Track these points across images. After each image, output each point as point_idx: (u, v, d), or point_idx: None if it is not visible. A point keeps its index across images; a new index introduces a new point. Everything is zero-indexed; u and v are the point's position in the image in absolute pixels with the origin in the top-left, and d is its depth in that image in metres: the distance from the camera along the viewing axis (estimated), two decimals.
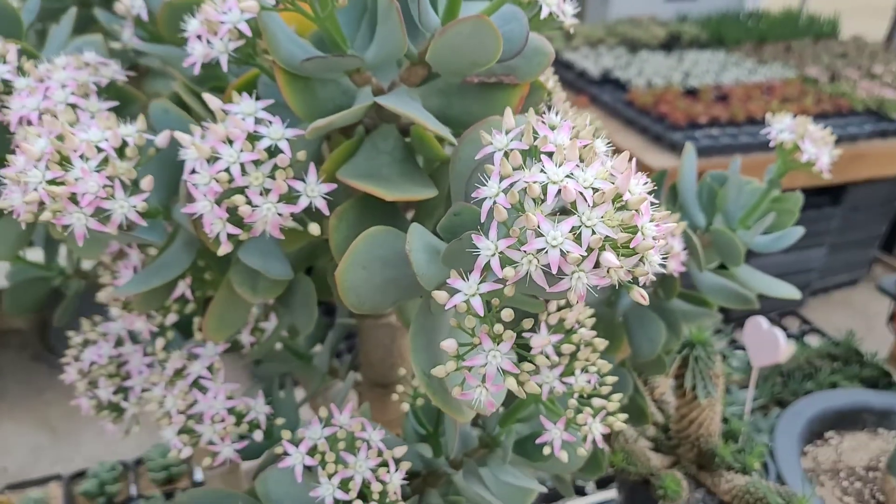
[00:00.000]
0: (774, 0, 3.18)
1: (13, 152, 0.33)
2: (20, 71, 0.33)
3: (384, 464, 0.34)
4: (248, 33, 0.28)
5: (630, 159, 0.24)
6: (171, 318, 0.39)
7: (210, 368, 0.39)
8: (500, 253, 0.23)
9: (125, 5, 0.39)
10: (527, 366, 0.28)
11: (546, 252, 0.23)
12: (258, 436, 0.38)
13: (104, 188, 0.27)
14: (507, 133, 0.26)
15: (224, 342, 0.40)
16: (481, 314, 0.24)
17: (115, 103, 0.32)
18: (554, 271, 0.23)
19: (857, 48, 2.68)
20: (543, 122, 0.25)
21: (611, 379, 0.36)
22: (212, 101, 0.28)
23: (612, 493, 0.92)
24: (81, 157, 0.27)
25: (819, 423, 0.96)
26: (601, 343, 0.35)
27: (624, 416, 0.36)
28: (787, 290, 0.49)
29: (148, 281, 0.33)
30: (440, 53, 0.27)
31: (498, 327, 0.25)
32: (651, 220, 0.24)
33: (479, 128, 0.29)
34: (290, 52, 0.28)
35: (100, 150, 0.28)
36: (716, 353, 0.68)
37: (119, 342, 0.46)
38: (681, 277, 0.50)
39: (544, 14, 0.30)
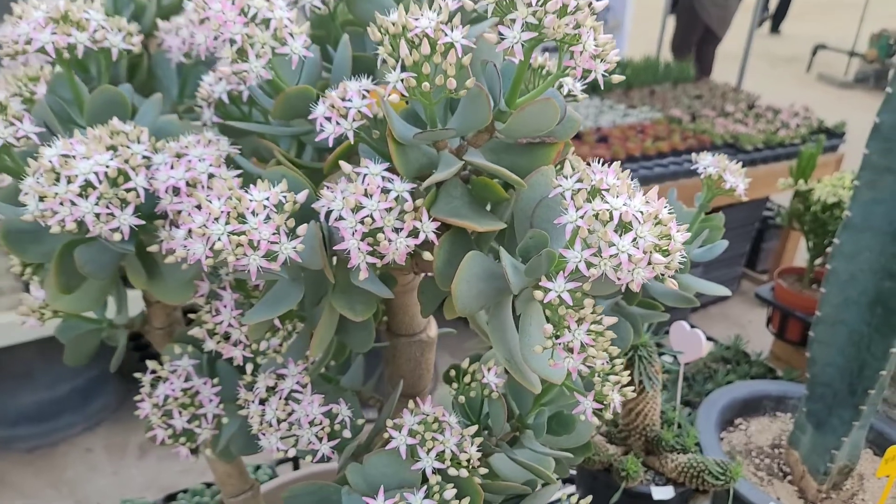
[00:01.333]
0: (636, 49, 3.52)
1: (162, 216, 0.41)
2: (154, 148, 0.41)
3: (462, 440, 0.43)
4: (370, 115, 0.38)
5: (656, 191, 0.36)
6: (263, 344, 0.47)
7: (300, 383, 0.47)
8: (586, 259, 0.34)
9: (206, 91, 0.48)
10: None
11: (617, 256, 0.34)
12: (346, 434, 0.47)
13: (273, 235, 0.36)
14: (568, 178, 0.37)
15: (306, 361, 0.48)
16: (571, 303, 0.35)
17: (240, 171, 0.41)
18: (631, 277, 0.34)
19: (710, 90, 3.02)
20: (592, 170, 0.37)
21: (619, 360, 0.47)
22: (345, 166, 0.38)
23: (570, 488, 1.03)
24: (253, 212, 0.36)
25: (729, 411, 1.11)
26: (610, 332, 0.46)
27: (631, 388, 0.47)
28: (719, 290, 0.63)
29: (271, 310, 0.41)
30: (514, 125, 0.38)
31: (583, 312, 0.36)
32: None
33: (534, 177, 0.40)
34: (401, 128, 0.38)
35: (264, 206, 0.36)
36: (655, 351, 0.81)
37: (188, 377, 0.53)
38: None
39: (565, 91, 0.42)
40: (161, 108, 0.47)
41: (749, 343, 1.62)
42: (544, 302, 0.35)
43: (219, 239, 0.35)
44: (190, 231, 0.36)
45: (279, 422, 0.46)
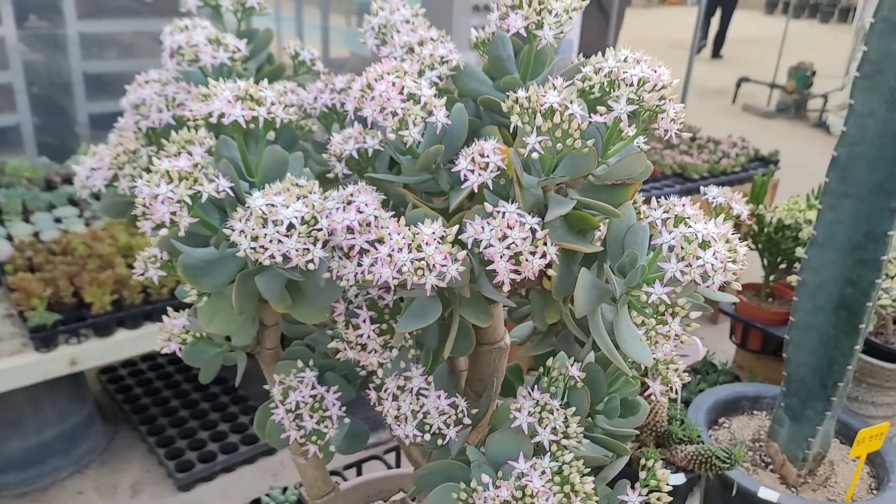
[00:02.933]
0: None
1: (346, 253, 0.52)
2: (323, 197, 0.52)
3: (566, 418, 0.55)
4: (504, 167, 0.50)
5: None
6: (394, 353, 0.58)
7: (428, 382, 0.58)
8: (680, 269, 0.47)
9: (339, 149, 0.59)
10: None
11: (703, 266, 0.47)
12: (466, 421, 0.58)
13: (444, 260, 0.47)
14: (656, 210, 0.49)
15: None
16: (668, 302, 0.48)
17: (392, 213, 0.52)
18: (711, 282, 0.47)
19: None
20: (673, 202, 0.50)
21: (673, 355, 0.60)
22: (488, 206, 0.50)
23: None
24: (427, 244, 0.47)
25: (714, 412, 1.26)
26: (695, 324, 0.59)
27: (686, 374, 0.60)
28: (724, 297, 0.77)
29: (420, 321, 0.52)
30: (613, 172, 0.50)
31: (677, 309, 0.48)
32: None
33: (623, 209, 0.52)
34: (526, 176, 0.50)
35: (434, 238, 0.48)
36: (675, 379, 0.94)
37: (314, 386, 0.63)
38: None
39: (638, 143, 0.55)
40: (296, 164, 0.58)
41: (714, 355, 1.78)
42: (650, 302, 0.48)
43: (405, 264, 0.47)
44: (376, 259, 0.47)
45: (413, 414, 0.57)
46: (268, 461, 2.27)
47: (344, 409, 0.63)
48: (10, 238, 2.09)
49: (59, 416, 2.17)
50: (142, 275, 0.61)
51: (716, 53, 8.65)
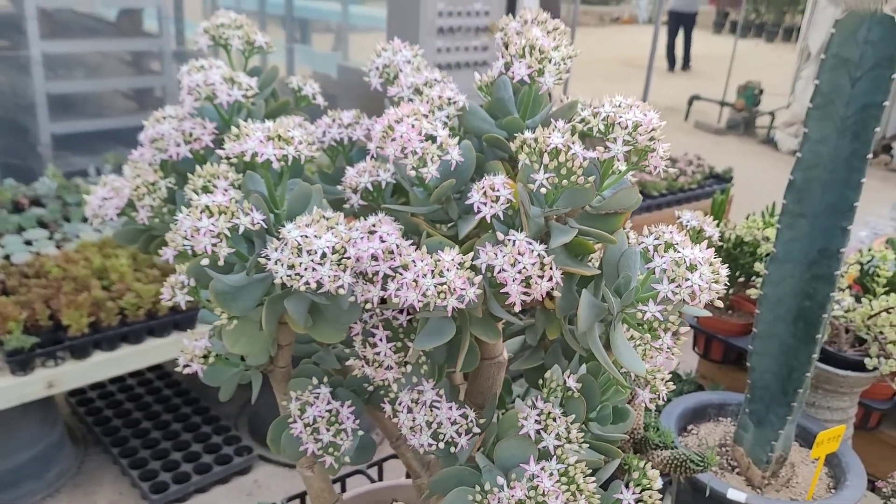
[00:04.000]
0: None
1: (370, 278, 0.57)
2: (348, 227, 0.57)
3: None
4: (514, 200, 0.56)
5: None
6: (408, 368, 0.63)
7: (439, 395, 0.63)
8: (671, 290, 0.53)
9: (355, 182, 0.64)
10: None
11: (692, 287, 0.53)
12: (475, 430, 0.63)
13: (463, 283, 0.53)
14: (648, 237, 0.56)
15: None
16: (661, 319, 0.54)
17: (411, 241, 0.58)
18: (698, 300, 0.53)
19: None
20: (662, 230, 0.56)
21: (662, 365, 0.66)
22: (500, 235, 0.55)
23: None
24: (448, 269, 0.53)
25: (682, 419, 1.33)
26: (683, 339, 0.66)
27: (671, 383, 0.66)
28: (699, 312, 0.84)
29: (436, 340, 0.58)
30: (609, 203, 0.57)
31: (669, 325, 0.54)
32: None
33: (617, 236, 0.59)
34: (531, 208, 0.56)
35: (455, 265, 0.53)
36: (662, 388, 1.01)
37: (329, 401, 0.68)
38: None
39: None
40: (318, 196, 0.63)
41: (679, 365, 1.87)
42: (645, 319, 0.54)
43: (429, 289, 0.52)
44: (402, 285, 0.53)
45: (427, 424, 0.62)
46: (242, 480, 2.29)
47: (357, 422, 0.68)
48: None
49: (31, 439, 2.16)
50: (170, 300, 0.65)
51: (684, 65, 9.39)
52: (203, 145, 0.72)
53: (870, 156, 1.02)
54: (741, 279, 1.73)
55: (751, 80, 6.81)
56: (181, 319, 1.98)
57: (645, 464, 0.65)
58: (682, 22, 9.22)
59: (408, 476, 0.93)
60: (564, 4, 4.07)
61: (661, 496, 0.64)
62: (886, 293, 1.34)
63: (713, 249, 0.55)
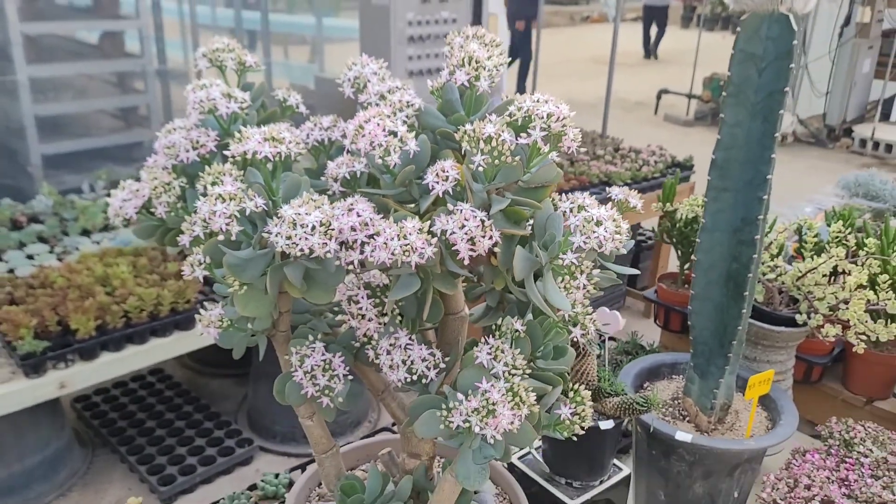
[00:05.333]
0: None
1: (351, 245, 0.72)
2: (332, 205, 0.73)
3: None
4: (459, 178, 0.72)
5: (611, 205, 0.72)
6: (385, 319, 0.79)
7: (411, 339, 0.79)
8: (583, 241, 0.69)
9: (335, 172, 0.80)
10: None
11: (599, 237, 0.69)
12: (442, 365, 0.78)
13: (423, 244, 0.69)
14: (566, 202, 0.72)
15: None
16: (577, 264, 0.70)
17: (382, 214, 0.73)
18: (604, 248, 0.69)
19: (582, 137, 3.53)
20: (576, 196, 0.72)
21: (590, 308, 0.82)
22: (450, 207, 0.71)
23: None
24: (410, 234, 0.69)
25: (639, 378, 1.49)
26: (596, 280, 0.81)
27: (596, 317, 0.82)
28: (630, 271, 1.00)
29: (404, 291, 0.73)
30: (535, 177, 0.72)
31: (583, 268, 0.70)
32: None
33: (544, 203, 0.74)
34: (475, 185, 0.72)
35: (416, 230, 0.69)
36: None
37: (323, 353, 0.83)
38: None
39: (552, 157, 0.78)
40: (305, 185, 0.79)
41: (643, 337, 2.04)
42: (565, 265, 0.70)
43: (396, 249, 0.68)
44: (375, 247, 0.68)
45: (403, 363, 0.77)
46: (244, 471, 2.43)
47: (347, 369, 0.84)
48: None
49: (40, 443, 2.29)
50: (190, 275, 0.80)
51: (653, 55, 9.91)
52: (208, 150, 0.87)
53: (777, 135, 1.19)
54: (694, 255, 1.90)
55: (716, 72, 7.03)
56: (181, 320, 2.13)
57: (579, 387, 0.81)
58: (654, 15, 9.81)
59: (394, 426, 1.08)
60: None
61: (591, 410, 0.79)
62: (812, 257, 1.51)
63: (615, 210, 0.71)
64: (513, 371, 0.75)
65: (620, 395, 1.19)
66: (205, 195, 0.72)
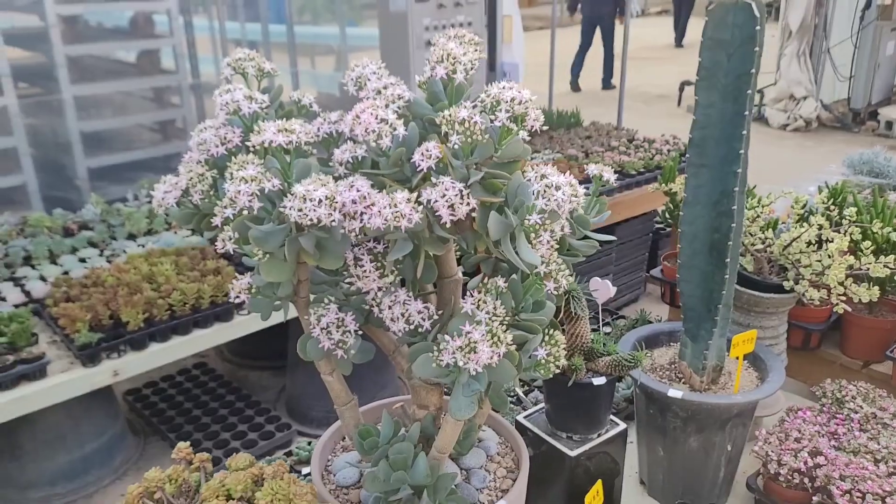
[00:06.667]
0: None
1: (353, 216, 0.87)
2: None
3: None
4: (441, 156, 0.86)
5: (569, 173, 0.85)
6: (388, 279, 0.93)
7: (409, 296, 0.93)
8: (544, 204, 0.82)
9: (340, 157, 0.94)
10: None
11: (557, 200, 0.82)
12: (435, 317, 0.92)
13: (412, 211, 0.83)
14: (531, 172, 0.85)
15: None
16: (541, 223, 0.83)
17: (378, 190, 0.88)
18: (562, 209, 0.82)
19: (596, 130, 3.64)
20: (541, 168, 0.85)
21: (564, 268, 0.95)
22: (433, 181, 0.85)
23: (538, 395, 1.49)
24: (400, 203, 0.83)
25: (637, 346, 1.61)
26: (557, 236, 0.94)
27: (569, 272, 0.95)
28: (607, 238, 1.12)
29: (400, 252, 0.87)
30: (505, 153, 0.86)
31: (546, 226, 0.84)
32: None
33: (514, 175, 0.88)
34: (455, 161, 0.85)
35: (406, 201, 0.83)
36: (581, 293, 1.30)
37: (337, 312, 0.98)
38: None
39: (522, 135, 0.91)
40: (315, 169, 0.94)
41: (651, 314, 2.15)
42: (528, 224, 0.83)
43: (388, 216, 0.82)
44: (371, 215, 0.82)
45: (402, 315, 0.92)
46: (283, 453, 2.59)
47: (358, 326, 0.98)
48: (42, 279, 2.41)
49: (96, 432, 2.48)
50: (222, 248, 0.95)
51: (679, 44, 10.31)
52: (234, 145, 1.02)
53: (747, 113, 1.31)
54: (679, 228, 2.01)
55: None
56: (221, 312, 2.30)
57: (554, 331, 0.94)
58: (682, 4, 10.41)
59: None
60: (550, 6, 4.37)
61: (565, 350, 0.93)
62: (798, 228, 1.62)
63: (573, 177, 0.84)
64: (493, 318, 0.88)
65: (611, 353, 1.32)
66: (232, 180, 0.87)
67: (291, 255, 0.90)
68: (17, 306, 2.21)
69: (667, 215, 2.04)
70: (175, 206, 1.07)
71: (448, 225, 0.84)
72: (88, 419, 2.43)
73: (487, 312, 0.89)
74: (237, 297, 1.00)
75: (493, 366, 0.85)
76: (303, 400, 2.74)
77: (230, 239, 0.94)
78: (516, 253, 0.87)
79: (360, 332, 0.99)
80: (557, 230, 0.87)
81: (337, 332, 0.97)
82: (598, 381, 1.30)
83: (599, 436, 1.35)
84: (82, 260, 2.54)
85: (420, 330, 0.93)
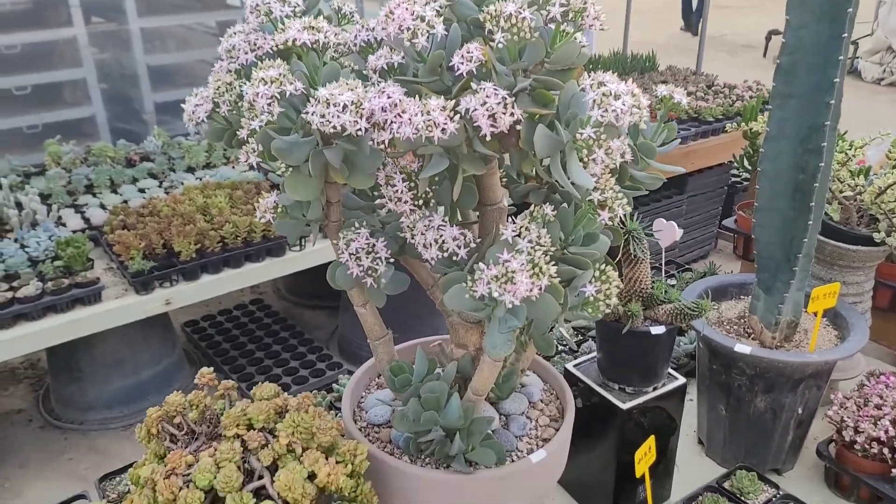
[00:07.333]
0: (604, 47, 3.93)
1: (382, 126, 0.78)
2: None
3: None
4: (484, 60, 0.75)
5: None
6: (420, 202, 0.84)
7: (445, 221, 0.84)
8: (600, 115, 0.71)
9: (374, 64, 0.85)
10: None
11: (616, 111, 0.71)
12: (472, 245, 0.83)
13: (446, 119, 0.73)
14: (587, 80, 0.74)
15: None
16: (595, 138, 0.72)
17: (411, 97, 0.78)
18: (621, 121, 0.71)
19: (672, 74, 3.42)
20: (599, 75, 0.74)
21: (622, 197, 0.84)
22: (474, 86, 0.75)
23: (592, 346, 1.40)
24: (433, 110, 0.73)
25: (703, 296, 1.48)
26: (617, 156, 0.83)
27: (627, 201, 0.84)
28: (675, 169, 1.00)
29: (434, 169, 0.78)
30: (557, 58, 0.75)
31: (601, 142, 0.73)
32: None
33: (569, 84, 0.77)
34: (499, 65, 0.75)
35: (440, 108, 0.73)
36: (643, 234, 1.18)
37: (367, 238, 0.90)
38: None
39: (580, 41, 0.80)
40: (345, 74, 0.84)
41: (721, 267, 2.01)
42: (582, 139, 0.72)
43: (419, 123, 0.72)
44: (401, 124, 0.73)
45: (435, 241, 0.83)
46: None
47: (389, 253, 0.90)
48: (102, 207, 2.43)
49: (153, 359, 2.51)
50: (247, 161, 0.88)
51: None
52: (264, 52, 0.94)
53: (846, 35, 1.14)
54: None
55: None
56: (273, 247, 2.26)
57: (605, 266, 0.84)
58: None
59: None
60: None
61: (619, 287, 0.82)
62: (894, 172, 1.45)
63: (635, 85, 0.73)
64: (536, 247, 0.78)
65: (673, 301, 1.20)
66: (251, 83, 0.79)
67: (317, 170, 0.82)
68: (76, 232, 2.22)
69: (745, 161, 1.88)
70: (206, 121, 1.00)
71: (489, 139, 0.74)
72: (146, 347, 2.46)
73: (530, 241, 0.79)
74: (262, 216, 0.93)
75: (532, 300, 0.75)
76: (354, 341, 2.71)
77: (254, 152, 0.87)
78: (566, 174, 0.76)
79: (392, 261, 0.91)
80: (617, 153, 0.76)
81: (367, 258, 0.88)
82: (657, 330, 1.19)
83: (655, 389, 1.24)
84: (141, 190, 2.54)
85: (455, 259, 0.84)
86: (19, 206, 2.30)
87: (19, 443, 2.39)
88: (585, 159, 0.74)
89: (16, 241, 2.14)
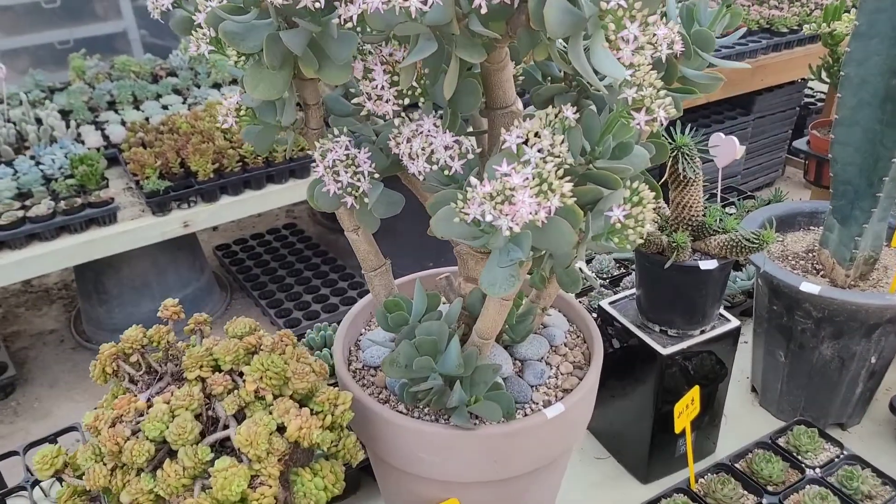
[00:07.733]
0: None
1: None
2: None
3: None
4: None
5: None
6: (405, 101, 0.67)
7: (434, 125, 0.67)
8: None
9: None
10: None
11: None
12: (470, 156, 0.66)
13: None
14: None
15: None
16: (626, 6, 0.54)
17: None
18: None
19: None
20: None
21: (662, 90, 0.65)
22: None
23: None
24: None
25: (766, 226, 1.29)
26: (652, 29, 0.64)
27: (671, 102, 0.65)
28: (738, 65, 0.80)
29: (419, 55, 0.61)
30: None
31: (634, 13, 0.54)
32: None
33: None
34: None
35: None
36: (695, 152, 0.99)
37: (347, 147, 0.74)
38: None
39: None
40: None
41: (788, 194, 1.78)
42: (608, 7, 0.54)
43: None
44: None
45: (423, 150, 0.66)
46: None
47: (375, 167, 0.73)
48: (123, 123, 2.31)
49: (181, 283, 2.44)
50: (198, 51, 0.72)
51: None
52: None
53: None
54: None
55: None
56: (296, 168, 2.13)
57: (639, 185, 0.66)
58: None
59: None
60: None
61: (654, 208, 0.65)
62: None
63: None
64: (547, 157, 0.61)
65: (729, 231, 1.02)
66: None
67: (276, 59, 0.65)
68: (93, 150, 2.12)
69: (822, 74, 1.63)
70: (171, 9, 0.84)
71: (484, 11, 0.56)
72: (175, 270, 2.39)
73: (540, 150, 0.62)
74: (224, 121, 0.77)
75: (539, 225, 0.59)
76: None
77: (204, 38, 0.71)
78: (583, 62, 0.58)
79: (377, 177, 0.75)
80: (663, 42, 0.57)
81: (346, 173, 0.73)
82: (707, 264, 1.01)
83: (703, 332, 1.07)
84: (165, 107, 2.42)
85: (450, 174, 0.67)
86: (39, 121, 2.21)
87: (50, 363, 2.37)
88: (613, 37, 0.56)
89: (32, 157, 2.05)
